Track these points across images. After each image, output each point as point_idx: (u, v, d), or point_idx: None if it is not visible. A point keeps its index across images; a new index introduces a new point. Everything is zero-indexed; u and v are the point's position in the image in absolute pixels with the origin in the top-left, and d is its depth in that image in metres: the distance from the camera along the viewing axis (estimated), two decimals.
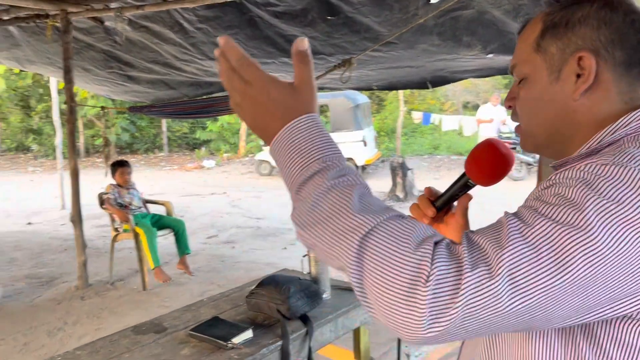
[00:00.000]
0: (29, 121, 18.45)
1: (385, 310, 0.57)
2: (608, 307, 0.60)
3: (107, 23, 4.77)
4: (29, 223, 7.83)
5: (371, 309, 0.60)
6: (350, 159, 11.69)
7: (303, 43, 0.68)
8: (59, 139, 8.74)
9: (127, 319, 3.86)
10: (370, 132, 12.46)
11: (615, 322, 0.64)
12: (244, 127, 16.02)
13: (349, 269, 0.59)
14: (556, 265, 0.56)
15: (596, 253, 0.57)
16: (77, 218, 4.55)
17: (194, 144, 18.11)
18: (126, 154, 17.57)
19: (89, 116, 16.64)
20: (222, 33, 4.38)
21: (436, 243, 0.60)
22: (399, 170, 8.85)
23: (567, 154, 0.77)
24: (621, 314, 0.62)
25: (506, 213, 0.64)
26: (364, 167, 12.06)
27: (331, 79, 4.81)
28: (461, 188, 0.91)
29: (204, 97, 5.66)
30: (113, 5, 4.35)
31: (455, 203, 0.94)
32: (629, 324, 0.63)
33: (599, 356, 0.65)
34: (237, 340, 2.10)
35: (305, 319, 2.28)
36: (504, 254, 0.57)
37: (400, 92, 14.53)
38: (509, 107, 0.85)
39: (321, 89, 6.53)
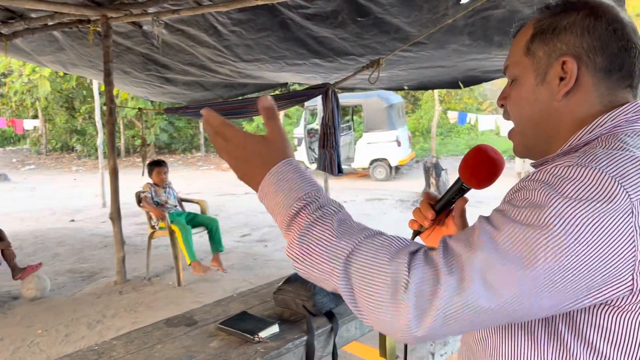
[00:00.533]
0: (73, 122, 19.11)
1: (376, 319, 0.65)
2: (584, 296, 0.64)
3: (145, 27, 4.93)
4: (72, 220, 8.14)
5: (366, 319, 0.67)
6: (383, 159, 11.67)
7: (266, 100, 0.77)
8: (100, 139, 9.06)
9: (162, 314, 3.98)
10: (404, 132, 12.41)
11: (595, 309, 0.67)
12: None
13: (341, 289, 0.67)
14: (523, 262, 0.61)
15: (559, 246, 0.61)
16: (116, 216, 4.73)
17: None
18: (164, 154, 18.00)
19: (130, 117, 17.12)
20: (255, 35, 4.50)
21: (413, 252, 0.66)
22: (433, 171, 8.79)
23: (551, 153, 0.82)
24: (599, 300, 0.65)
25: (480, 217, 0.69)
26: (397, 168, 12.02)
27: (362, 79, 4.84)
28: (457, 192, 0.97)
29: (238, 98, 5.78)
30: (151, 10, 4.50)
31: (454, 206, 0.99)
32: (609, 311, 0.67)
33: (582, 344, 0.68)
34: (263, 334, 2.16)
35: (330, 316, 2.33)
36: (475, 257, 0.63)
37: (436, 91, 14.40)
38: (501, 106, 0.91)
39: (352, 89, 6.57)
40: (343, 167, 12.09)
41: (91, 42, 4.95)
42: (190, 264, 4.64)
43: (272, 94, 5.89)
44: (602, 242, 0.62)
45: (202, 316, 2.50)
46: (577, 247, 0.61)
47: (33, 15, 5.15)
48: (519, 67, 0.85)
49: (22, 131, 19.69)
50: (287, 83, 6.01)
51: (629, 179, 0.64)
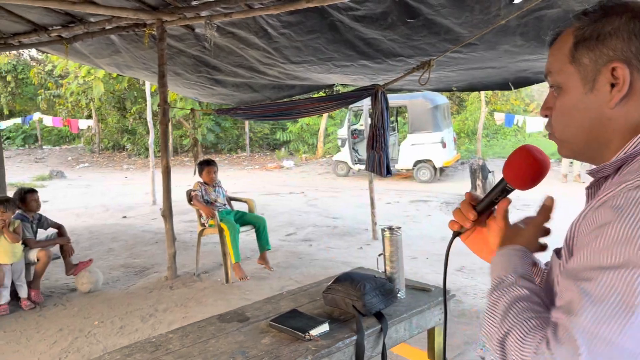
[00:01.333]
0: (124, 122, 19.74)
1: None
2: None
3: (197, 30, 5.07)
4: (124, 217, 8.43)
5: None
6: (428, 161, 11.55)
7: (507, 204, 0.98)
8: (151, 138, 9.36)
9: (211, 309, 4.08)
10: (450, 134, 12.25)
11: None
12: (322, 128, 16.28)
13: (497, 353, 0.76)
14: (626, 307, 0.63)
15: None
16: (167, 213, 4.88)
17: (274, 145, 18.62)
18: (211, 154, 18.38)
19: (178, 117, 17.58)
20: (305, 37, 4.55)
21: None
22: (479, 173, 8.65)
23: (604, 159, 0.82)
24: None
25: (555, 251, 0.74)
26: (442, 169, 11.87)
27: (409, 81, 4.83)
28: (500, 192, 0.97)
29: (285, 99, 5.86)
30: (204, 13, 4.63)
31: (496, 207, 0.99)
32: None
33: None
34: (314, 332, 2.20)
35: (379, 316, 2.34)
36: (579, 321, 0.66)
37: (482, 92, 14.15)
38: (545, 116, 0.91)
39: (398, 90, 6.54)
40: None
41: (146, 45, 5.12)
42: (233, 264, 4.73)
43: (320, 95, 5.94)
44: None
45: (254, 313, 2.56)
46: None
47: (92, 19, 5.38)
48: (563, 75, 0.85)
49: (76, 130, 20.55)
50: (333, 84, 6.05)
51: None
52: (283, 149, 17.67)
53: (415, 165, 11.68)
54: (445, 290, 1.11)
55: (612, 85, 0.78)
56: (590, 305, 0.64)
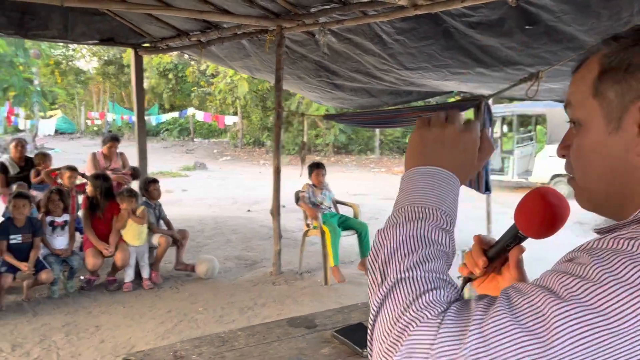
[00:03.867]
0: (266, 120, 20.95)
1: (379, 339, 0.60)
2: None
3: (317, 36, 5.21)
4: (249, 210, 8.95)
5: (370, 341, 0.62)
6: (567, 175, 10.62)
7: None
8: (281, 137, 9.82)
9: (305, 309, 4.19)
10: None
11: None
12: None
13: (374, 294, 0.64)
14: (535, 331, 0.54)
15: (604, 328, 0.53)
16: (275, 211, 5.10)
17: (404, 148, 18.46)
18: (341, 154, 18.77)
19: (313, 118, 18.23)
20: (418, 44, 4.45)
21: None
22: None
23: (625, 216, 0.67)
24: None
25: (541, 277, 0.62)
26: None
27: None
28: (512, 239, 0.84)
29: (391, 107, 5.78)
30: (321, 20, 4.75)
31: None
32: None
33: None
34: None
35: None
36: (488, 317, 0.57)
37: None
38: (562, 156, 0.77)
39: (520, 99, 6.09)
40: (519, 179, 11.22)
41: (267, 50, 5.38)
42: (332, 267, 4.79)
43: (422, 105, 5.77)
44: None
45: (323, 321, 2.57)
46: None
47: (225, 25, 5.80)
48: (584, 110, 0.71)
49: (223, 126, 22.29)
50: (452, 92, 5.84)
51: None
52: None
53: (552, 179, 10.81)
54: None
55: None
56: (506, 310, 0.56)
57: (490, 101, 5.80)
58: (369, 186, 12.10)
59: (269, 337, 2.40)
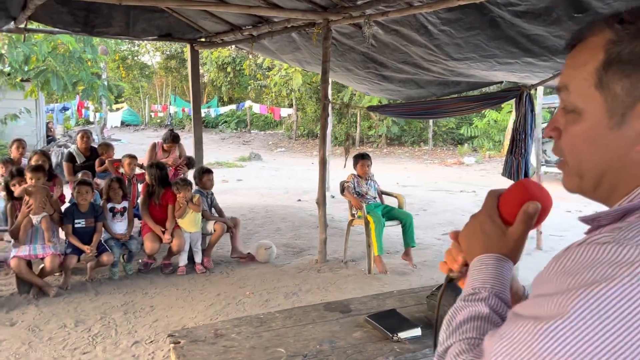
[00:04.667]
0: (320, 111, 21.11)
1: None
2: None
3: (363, 28, 5.26)
4: (299, 200, 9.13)
5: None
6: None
7: (534, 208, 0.82)
8: (329, 129, 9.93)
9: (348, 296, 4.27)
10: None
11: None
12: (510, 125, 15.33)
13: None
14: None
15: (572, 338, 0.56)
16: (321, 201, 5.21)
17: (458, 140, 18.12)
18: (394, 145, 18.66)
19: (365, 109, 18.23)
20: (464, 34, 4.42)
21: None
22: None
23: (611, 204, 0.70)
24: None
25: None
26: None
27: None
28: None
29: (431, 99, 5.74)
30: (368, 12, 4.80)
31: None
32: None
33: None
34: (403, 334, 2.22)
35: None
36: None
37: None
38: (550, 137, 0.76)
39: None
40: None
41: (314, 43, 5.48)
42: (375, 256, 4.85)
43: (464, 96, 5.69)
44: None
45: (357, 306, 2.67)
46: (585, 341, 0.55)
47: (275, 19, 5.95)
48: (583, 99, 0.68)
49: (278, 118, 22.66)
50: (502, 82, 5.73)
51: None
52: (466, 145, 17.10)
53: None
54: (436, 342, 1.04)
55: None
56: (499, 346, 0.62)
57: (540, 92, 5.67)
58: (420, 177, 12.02)
59: (304, 320, 2.52)
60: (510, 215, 0.84)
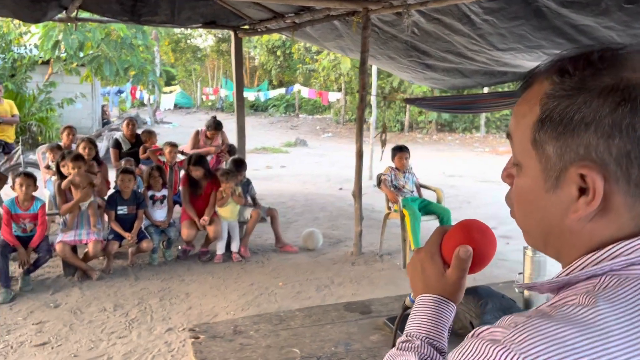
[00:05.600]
0: (369, 97, 20.89)
1: None
2: None
3: (404, 18, 5.13)
4: (340, 188, 9.10)
5: None
6: None
7: (465, 252, 0.81)
8: (373, 117, 9.82)
9: (379, 292, 4.26)
10: None
11: None
12: None
13: None
14: None
15: None
16: (357, 193, 5.18)
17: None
18: (445, 132, 18.27)
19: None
20: (508, 24, 4.24)
21: None
22: None
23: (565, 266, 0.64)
24: None
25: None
26: None
27: None
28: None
29: (469, 93, 5.54)
30: (408, 1, 4.67)
31: None
32: None
33: None
34: None
35: None
36: None
37: None
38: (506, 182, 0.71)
39: None
40: None
41: (354, 31, 5.40)
42: (413, 250, 4.78)
43: (502, 91, 5.45)
44: None
45: (378, 307, 2.63)
46: None
47: (317, 7, 5.89)
48: (523, 154, 0.63)
49: (327, 102, 22.60)
50: None
51: None
52: None
53: None
54: None
55: (582, 191, 0.57)
56: None
57: None
58: (468, 167, 11.72)
59: (323, 319, 2.51)
60: (449, 257, 0.82)
